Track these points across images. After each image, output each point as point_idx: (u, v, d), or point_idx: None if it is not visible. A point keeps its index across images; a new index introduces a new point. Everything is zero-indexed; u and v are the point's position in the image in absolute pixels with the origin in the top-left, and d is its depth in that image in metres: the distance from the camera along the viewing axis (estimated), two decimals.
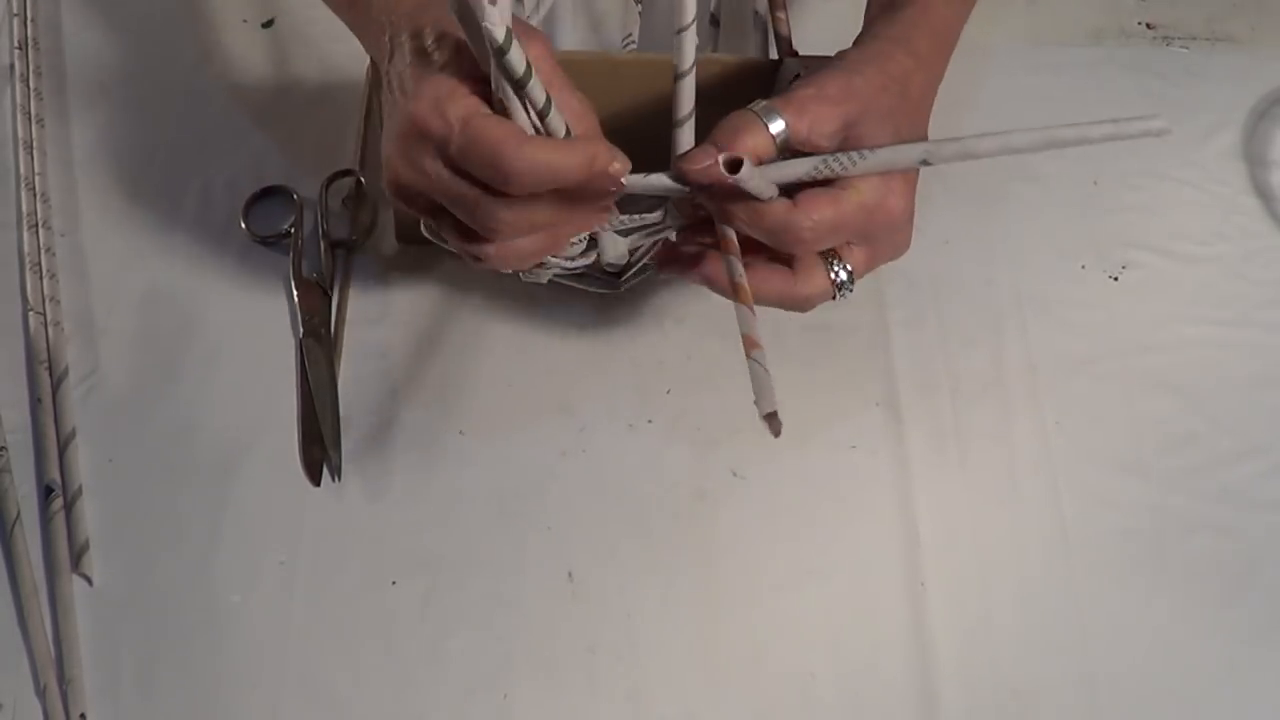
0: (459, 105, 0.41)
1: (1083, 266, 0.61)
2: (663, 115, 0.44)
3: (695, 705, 0.50)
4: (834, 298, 0.47)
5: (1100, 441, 0.57)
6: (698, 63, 0.44)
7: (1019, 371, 0.58)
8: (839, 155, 0.43)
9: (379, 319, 0.59)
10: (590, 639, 0.52)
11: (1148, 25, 0.70)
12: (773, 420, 0.38)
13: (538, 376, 0.57)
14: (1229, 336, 0.60)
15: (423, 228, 0.46)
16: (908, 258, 0.60)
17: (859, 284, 0.59)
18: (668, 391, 0.57)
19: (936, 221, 0.62)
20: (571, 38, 0.66)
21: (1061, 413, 0.57)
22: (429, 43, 0.44)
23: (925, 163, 0.42)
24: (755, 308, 0.43)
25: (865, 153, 0.43)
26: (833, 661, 0.51)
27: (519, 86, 0.39)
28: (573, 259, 0.47)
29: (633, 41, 0.63)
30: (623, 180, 0.42)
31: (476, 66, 0.42)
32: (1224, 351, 0.59)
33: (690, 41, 0.41)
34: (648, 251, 0.50)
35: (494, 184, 0.41)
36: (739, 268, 0.44)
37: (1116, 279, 0.61)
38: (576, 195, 0.43)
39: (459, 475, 0.55)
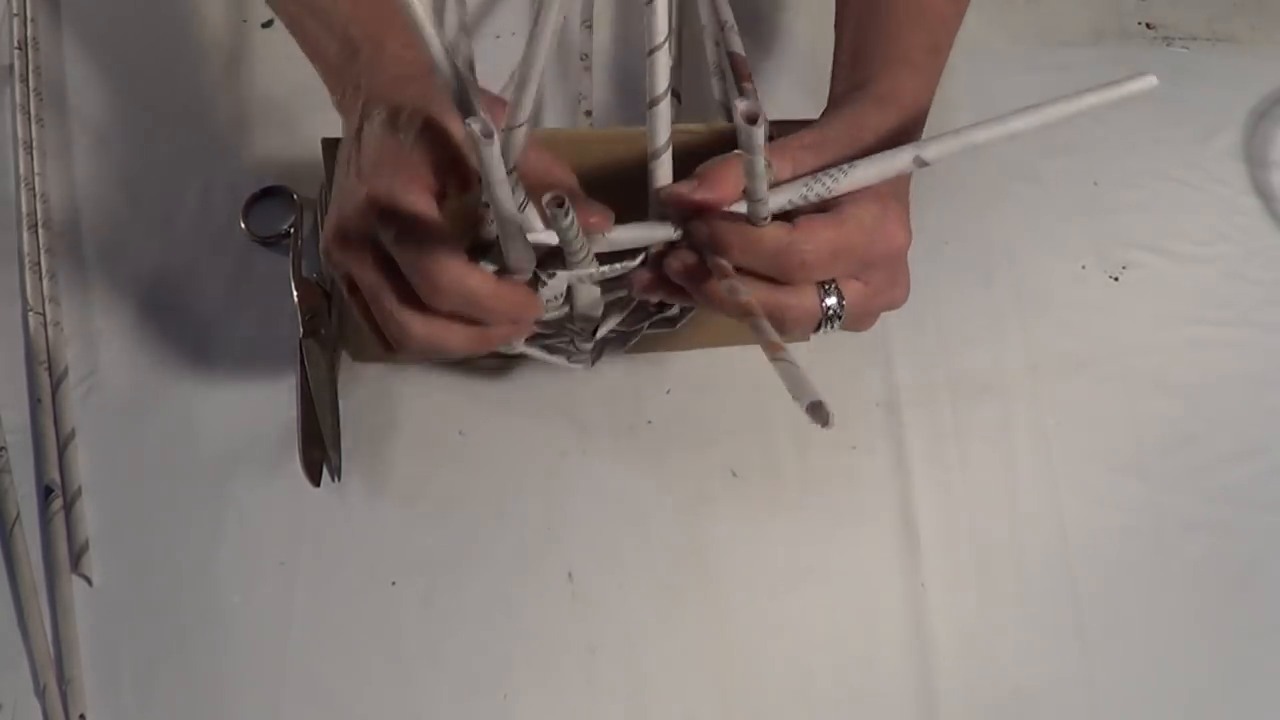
0: (411, 200, 0.41)
1: (1083, 266, 0.61)
2: (630, 184, 0.43)
3: (695, 705, 0.50)
4: (820, 327, 0.44)
5: (1100, 442, 0.57)
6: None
7: (1019, 372, 0.58)
8: (827, 171, 0.42)
9: None
10: (590, 639, 0.52)
11: (1148, 25, 0.70)
12: (818, 410, 0.34)
13: (538, 377, 0.57)
14: (1229, 336, 0.60)
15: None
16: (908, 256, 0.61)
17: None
18: (668, 391, 0.57)
19: (936, 221, 0.62)
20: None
21: (1061, 413, 0.57)
22: (403, 119, 0.43)
23: (921, 162, 0.41)
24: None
25: (856, 162, 0.42)
26: (832, 661, 0.51)
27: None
28: (546, 313, 0.45)
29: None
30: (605, 234, 0.42)
31: (444, 148, 0.42)
32: (1224, 351, 0.59)
33: (664, 63, 0.39)
34: (623, 312, 0.49)
35: (418, 290, 0.41)
36: (742, 288, 0.41)
37: (1116, 279, 0.61)
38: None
39: (459, 475, 0.55)
